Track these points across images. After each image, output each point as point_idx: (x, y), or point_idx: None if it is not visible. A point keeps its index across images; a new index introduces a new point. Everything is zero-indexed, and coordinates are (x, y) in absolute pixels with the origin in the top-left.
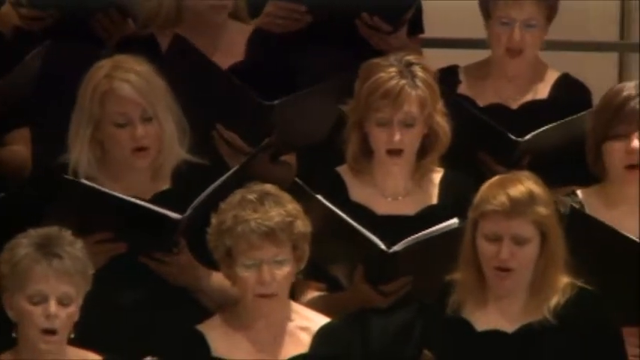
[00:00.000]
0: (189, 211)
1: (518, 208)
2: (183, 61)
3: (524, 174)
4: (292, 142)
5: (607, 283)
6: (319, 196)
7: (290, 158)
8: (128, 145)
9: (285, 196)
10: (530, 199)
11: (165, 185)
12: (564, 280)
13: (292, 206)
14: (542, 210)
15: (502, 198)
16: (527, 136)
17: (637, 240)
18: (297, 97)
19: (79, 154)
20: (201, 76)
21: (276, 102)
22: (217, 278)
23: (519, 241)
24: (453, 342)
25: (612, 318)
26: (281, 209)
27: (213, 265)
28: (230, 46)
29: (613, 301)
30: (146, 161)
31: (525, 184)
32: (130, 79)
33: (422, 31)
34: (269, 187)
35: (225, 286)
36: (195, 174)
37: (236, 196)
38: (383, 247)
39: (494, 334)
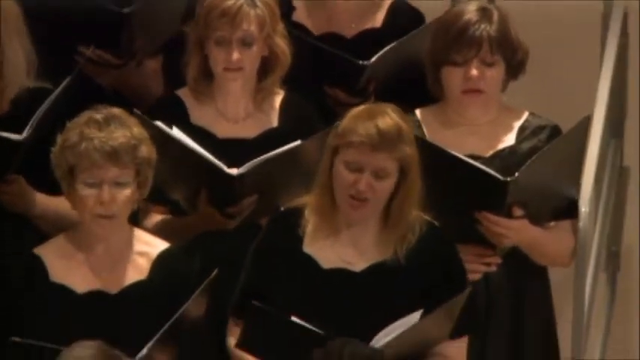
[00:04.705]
0: (28, 131)
1: (385, 142)
2: None
3: (390, 106)
4: (154, 42)
5: (444, 203)
6: (159, 123)
7: (156, 65)
8: None
9: (132, 120)
10: (398, 135)
11: (3, 110)
12: (415, 213)
13: (138, 130)
14: (407, 149)
15: (371, 130)
16: (373, 59)
17: (469, 160)
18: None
19: None
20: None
21: (132, 7)
22: (53, 203)
23: (379, 175)
24: (298, 278)
25: (457, 255)
26: (127, 131)
27: (52, 191)
28: None
29: (449, 220)
30: None
31: (393, 118)
32: None
33: None
34: (117, 110)
35: (61, 211)
36: (36, 98)
37: (83, 116)
38: (228, 171)
39: (341, 273)
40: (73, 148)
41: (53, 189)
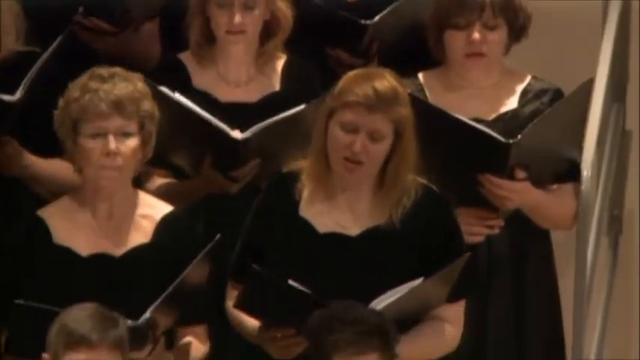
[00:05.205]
0: (21, 92)
1: (381, 103)
2: None
3: (386, 70)
4: (149, 9)
5: (446, 166)
6: (164, 88)
7: (153, 28)
8: None
9: (136, 77)
10: (394, 96)
11: None
12: (410, 177)
13: (142, 86)
14: (403, 110)
15: (368, 91)
16: (375, 19)
17: (471, 123)
18: None
19: None
20: None
21: None
22: (47, 165)
23: (374, 137)
24: (294, 242)
25: (455, 220)
26: (130, 85)
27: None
28: None
29: (449, 183)
30: None
31: (390, 80)
32: None
33: None
34: (119, 69)
35: (56, 173)
36: (25, 60)
37: (86, 74)
38: (233, 134)
39: (336, 237)
40: (78, 101)
41: (47, 152)
